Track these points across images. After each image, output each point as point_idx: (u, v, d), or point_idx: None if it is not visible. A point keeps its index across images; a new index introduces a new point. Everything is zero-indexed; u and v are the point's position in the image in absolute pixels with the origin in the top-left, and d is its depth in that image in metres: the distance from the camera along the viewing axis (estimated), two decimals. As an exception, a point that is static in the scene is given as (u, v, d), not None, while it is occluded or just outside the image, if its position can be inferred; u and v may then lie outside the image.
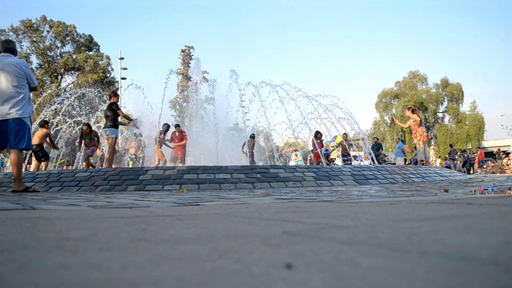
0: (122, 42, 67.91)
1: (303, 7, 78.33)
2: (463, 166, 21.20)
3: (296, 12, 78.58)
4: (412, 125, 10.29)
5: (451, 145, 25.37)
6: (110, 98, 9.09)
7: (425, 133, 10.26)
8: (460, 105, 42.92)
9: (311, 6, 78.21)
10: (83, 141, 10.55)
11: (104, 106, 9.85)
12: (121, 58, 26.80)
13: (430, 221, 1.19)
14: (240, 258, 0.69)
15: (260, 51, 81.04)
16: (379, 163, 12.91)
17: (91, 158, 10.86)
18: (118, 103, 9.18)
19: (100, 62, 33.68)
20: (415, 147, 10.72)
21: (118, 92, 14.86)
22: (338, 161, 17.05)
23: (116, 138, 8.82)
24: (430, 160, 10.59)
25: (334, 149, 17.74)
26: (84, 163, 14.13)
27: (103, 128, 9.12)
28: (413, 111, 10.41)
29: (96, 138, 10.84)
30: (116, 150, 9.53)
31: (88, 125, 10.75)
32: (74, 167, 13.69)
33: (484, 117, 42.38)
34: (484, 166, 24.15)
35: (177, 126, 11.99)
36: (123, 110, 11.10)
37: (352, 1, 78.20)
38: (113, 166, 8.95)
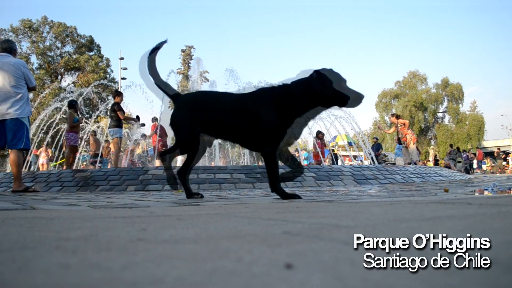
0: (122, 42, 67.80)
1: (303, 7, 78.37)
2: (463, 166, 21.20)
3: (296, 12, 78.64)
4: (400, 129, 11.01)
5: (451, 145, 25.37)
6: (114, 98, 9.08)
7: (414, 135, 11.14)
8: (460, 105, 42.95)
9: (311, 6, 78.26)
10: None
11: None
12: (121, 58, 26.87)
13: (430, 221, 1.19)
14: (240, 258, 0.69)
15: (260, 50, 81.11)
16: (379, 163, 12.91)
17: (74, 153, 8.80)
18: (122, 102, 9.13)
19: (100, 64, 33.71)
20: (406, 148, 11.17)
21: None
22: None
23: (120, 138, 8.82)
24: (417, 161, 11.24)
25: (334, 149, 17.74)
26: (83, 163, 13.91)
27: (108, 128, 9.11)
28: (397, 117, 11.51)
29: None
30: (121, 150, 9.42)
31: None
32: (74, 167, 13.61)
33: (484, 117, 42.41)
34: (485, 166, 24.14)
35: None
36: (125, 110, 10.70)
37: (352, 1, 78.26)
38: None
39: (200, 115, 2.89)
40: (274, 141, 2.76)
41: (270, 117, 2.71)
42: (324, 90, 2.60)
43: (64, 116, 13.34)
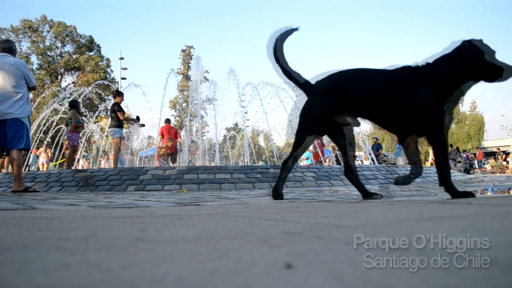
0: (122, 42, 67.94)
1: (303, 7, 78.39)
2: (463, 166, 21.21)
3: (297, 11, 78.65)
4: None
5: (451, 145, 25.36)
6: (114, 98, 9.07)
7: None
8: (460, 105, 42.97)
9: (311, 6, 78.29)
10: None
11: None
12: (121, 58, 26.81)
13: (430, 221, 1.19)
14: (240, 258, 0.69)
15: (260, 50, 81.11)
16: (379, 163, 12.92)
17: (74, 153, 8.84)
18: (123, 102, 9.12)
19: (100, 63, 33.72)
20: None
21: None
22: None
23: (120, 138, 8.82)
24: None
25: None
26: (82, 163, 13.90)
27: (108, 128, 9.12)
28: None
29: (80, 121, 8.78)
30: (121, 150, 9.42)
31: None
32: (73, 167, 13.60)
33: (484, 117, 42.45)
34: (488, 165, 24.14)
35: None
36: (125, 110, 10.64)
37: (352, 1, 78.22)
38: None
39: (341, 97, 2.52)
40: (440, 125, 2.44)
41: (431, 97, 2.39)
42: (478, 60, 2.37)
43: (64, 116, 13.33)
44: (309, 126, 2.61)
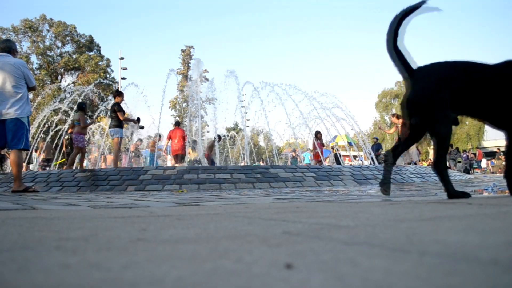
0: (122, 42, 67.98)
1: (303, 7, 78.41)
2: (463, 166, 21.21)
3: (296, 12, 78.66)
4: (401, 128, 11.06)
5: (451, 145, 25.35)
6: (114, 98, 9.07)
7: None
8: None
9: (311, 6, 78.31)
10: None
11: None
12: (121, 58, 26.77)
13: (430, 221, 1.19)
14: (240, 258, 0.69)
15: (260, 50, 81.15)
16: (379, 163, 12.92)
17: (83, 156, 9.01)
18: (123, 102, 9.12)
19: (100, 63, 33.71)
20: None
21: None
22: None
23: (121, 138, 8.82)
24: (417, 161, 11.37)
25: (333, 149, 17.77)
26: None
27: (108, 128, 9.12)
28: (397, 117, 11.51)
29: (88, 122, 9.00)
30: (121, 150, 9.44)
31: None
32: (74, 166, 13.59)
33: (484, 117, 42.32)
34: (492, 165, 24.18)
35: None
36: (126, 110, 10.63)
37: (352, 1, 78.23)
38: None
39: (453, 88, 2.32)
40: None
41: None
42: None
43: (65, 117, 13.34)
44: (444, 113, 2.37)
